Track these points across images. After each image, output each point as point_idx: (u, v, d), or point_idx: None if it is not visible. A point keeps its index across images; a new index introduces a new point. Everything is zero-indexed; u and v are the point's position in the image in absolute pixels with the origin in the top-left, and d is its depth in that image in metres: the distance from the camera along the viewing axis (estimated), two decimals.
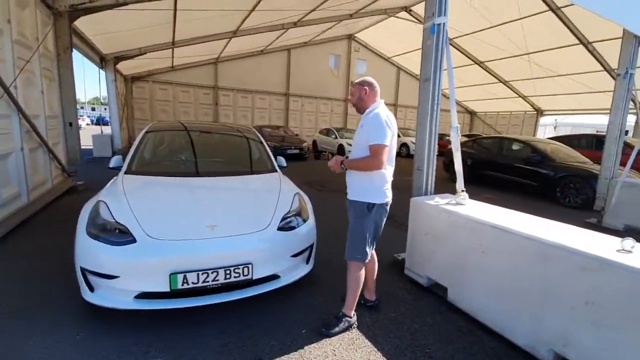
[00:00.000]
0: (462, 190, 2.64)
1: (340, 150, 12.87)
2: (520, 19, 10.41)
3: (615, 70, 11.92)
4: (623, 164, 4.94)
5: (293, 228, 2.50)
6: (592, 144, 9.25)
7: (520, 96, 16.48)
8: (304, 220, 2.63)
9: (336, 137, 13.42)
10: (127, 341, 2.00)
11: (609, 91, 12.81)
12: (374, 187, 2.16)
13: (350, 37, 16.68)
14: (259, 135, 3.98)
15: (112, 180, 2.85)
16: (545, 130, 19.77)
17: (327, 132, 14.38)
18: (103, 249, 2.08)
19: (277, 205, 2.61)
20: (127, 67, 11.27)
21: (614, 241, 1.84)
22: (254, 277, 2.20)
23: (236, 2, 8.07)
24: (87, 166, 8.47)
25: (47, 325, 2.12)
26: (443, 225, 2.52)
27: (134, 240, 2.08)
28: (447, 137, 12.55)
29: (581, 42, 10.84)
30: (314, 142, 14.64)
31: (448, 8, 2.78)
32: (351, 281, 2.21)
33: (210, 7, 7.64)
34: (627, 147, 5.41)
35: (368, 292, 2.50)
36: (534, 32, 10.75)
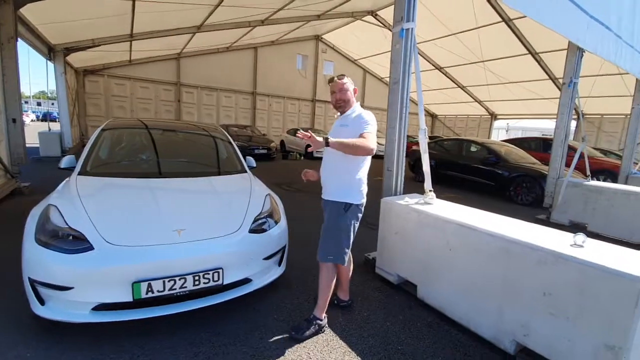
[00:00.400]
0: (430, 190, 2.74)
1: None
2: (477, 28, 11.07)
3: (560, 79, 12.90)
4: (568, 165, 5.41)
5: (265, 230, 2.44)
6: (540, 146, 10.05)
7: (476, 101, 17.52)
8: (276, 222, 2.58)
9: None
10: (85, 358, 1.83)
11: (554, 98, 14.05)
12: (352, 187, 2.13)
13: (317, 38, 16.75)
14: (227, 135, 3.86)
15: (64, 182, 2.60)
16: (499, 133, 21.20)
17: (294, 132, 14.30)
18: (54, 257, 1.89)
19: (248, 207, 2.54)
20: (78, 60, 10.43)
21: (568, 237, 1.99)
22: (225, 283, 2.11)
23: None
24: (33, 166, 7.71)
25: None
26: (412, 224, 2.59)
27: (90, 248, 1.92)
28: (412, 138, 13.03)
29: (530, 52, 11.76)
30: (282, 142, 14.51)
31: (416, 14, 2.87)
32: (323, 283, 2.18)
33: (174, 0, 7.29)
34: (570, 150, 5.93)
35: (342, 293, 2.49)
36: (489, 41, 11.48)
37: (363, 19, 13.03)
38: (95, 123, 12.55)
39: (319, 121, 18.02)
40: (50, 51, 8.58)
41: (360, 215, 2.22)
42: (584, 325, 1.71)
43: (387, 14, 12.58)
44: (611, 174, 8.34)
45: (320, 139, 1.88)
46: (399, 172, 3.06)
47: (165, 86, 13.62)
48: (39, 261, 1.91)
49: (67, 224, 2.02)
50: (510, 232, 2.03)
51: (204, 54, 13.99)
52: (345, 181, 2.14)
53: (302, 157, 12.89)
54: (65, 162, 2.86)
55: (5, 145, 5.35)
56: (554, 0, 3.86)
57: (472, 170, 7.77)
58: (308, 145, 11.60)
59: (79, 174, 2.71)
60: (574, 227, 4.98)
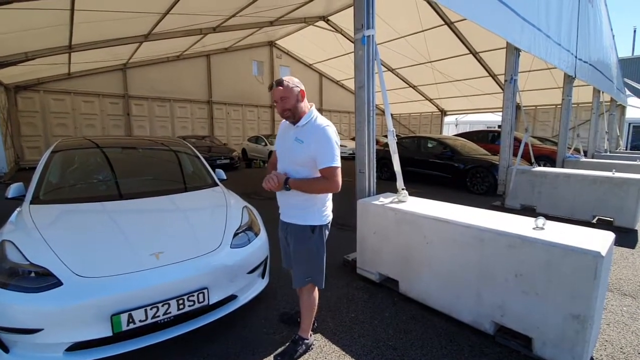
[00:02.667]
0: (403, 189, 2.87)
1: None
2: (423, 31, 11.74)
3: (499, 76, 14.03)
4: (514, 154, 5.93)
5: (246, 244, 2.40)
6: (487, 138, 10.90)
7: (427, 99, 18.54)
8: (256, 234, 2.54)
9: (266, 145, 13.26)
10: None
11: (495, 93, 15.25)
12: (316, 207, 1.90)
13: (271, 44, 16.69)
14: (193, 148, 3.72)
15: (15, 214, 2.35)
16: (449, 129, 22.56)
17: (256, 139, 14.11)
18: (16, 298, 1.70)
19: (226, 221, 2.48)
20: (8, 75, 9.39)
21: (530, 221, 2.19)
22: (211, 302, 2.04)
23: (148, 4, 7.39)
24: None
25: None
26: (389, 222, 2.69)
27: (58, 283, 1.75)
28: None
29: (471, 52, 12.70)
30: (244, 150, 14.22)
31: (375, 21, 3.00)
32: (305, 307, 2.03)
33: (118, 8, 6.86)
34: (515, 140, 6.52)
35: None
36: (435, 43, 12.23)
37: (315, 24, 13.23)
38: (31, 144, 11.42)
39: (278, 127, 17.91)
40: None
41: (327, 232, 2.01)
42: (552, 299, 1.90)
43: (339, 19, 12.91)
44: (549, 159, 9.27)
45: (282, 179, 1.77)
46: (371, 174, 3.16)
47: (112, 99, 12.73)
48: None
49: (27, 260, 1.83)
50: (481, 222, 2.20)
51: (153, 64, 13.31)
52: (307, 201, 1.87)
53: (266, 165, 12.74)
54: (13, 190, 2.58)
55: None
56: (488, 3, 4.22)
57: (430, 165, 8.22)
58: (271, 153, 11.32)
59: (31, 202, 2.46)
60: (524, 211, 5.46)
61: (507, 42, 5.29)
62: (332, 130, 1.82)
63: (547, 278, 1.91)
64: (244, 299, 2.30)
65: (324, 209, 1.95)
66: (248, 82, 16.32)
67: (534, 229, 2.07)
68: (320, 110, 19.33)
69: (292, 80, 1.82)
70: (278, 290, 2.83)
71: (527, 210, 5.47)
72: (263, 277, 2.55)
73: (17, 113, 10.97)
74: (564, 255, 1.82)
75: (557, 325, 1.88)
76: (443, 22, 11.23)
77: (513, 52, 5.43)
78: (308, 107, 1.87)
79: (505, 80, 5.61)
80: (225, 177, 3.50)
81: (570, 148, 9.12)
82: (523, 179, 5.54)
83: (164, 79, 13.73)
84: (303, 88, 1.85)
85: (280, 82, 1.80)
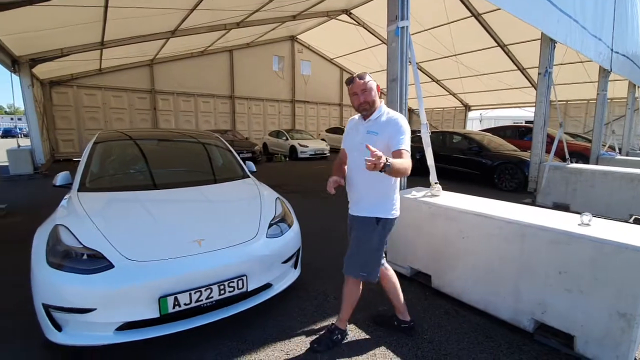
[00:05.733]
0: (436, 183, 2.83)
1: (293, 151, 12.85)
2: (448, 23, 11.43)
3: (528, 70, 13.45)
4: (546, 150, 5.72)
5: (280, 234, 2.44)
6: (516, 134, 10.53)
7: (450, 93, 18.08)
8: (289, 226, 2.58)
9: (287, 139, 13.36)
10: None
11: (523, 87, 14.67)
12: (387, 199, 1.93)
13: (292, 39, 16.71)
14: (224, 141, 3.80)
15: (65, 200, 2.48)
16: (473, 124, 21.97)
17: (277, 134, 14.24)
18: (71, 279, 1.81)
19: (261, 212, 2.53)
20: (44, 71, 9.88)
21: (574, 217, 2.12)
22: (249, 289, 2.10)
23: (176, 0, 7.56)
24: (4, 186, 7.28)
25: None
26: (423, 216, 2.67)
27: (110, 266, 1.85)
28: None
29: (499, 45, 12.27)
30: (265, 144, 14.40)
31: (409, 11, 2.95)
32: (348, 298, 2.03)
33: (149, 5, 7.05)
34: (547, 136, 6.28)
35: (399, 312, 2.22)
36: (460, 35, 11.89)
37: (338, 18, 13.13)
38: (65, 137, 11.98)
39: (299, 121, 18.00)
40: (14, 63, 8.09)
41: (392, 228, 2.00)
42: (598, 297, 1.83)
43: (361, 12, 12.76)
44: (582, 156, 8.86)
45: (384, 158, 1.51)
46: None
47: (140, 94, 13.16)
48: (53, 285, 1.82)
49: (80, 243, 1.94)
50: (521, 217, 2.14)
51: (178, 59, 13.64)
52: (380, 193, 1.91)
53: (287, 159, 12.85)
54: (60, 179, 2.73)
55: None
56: None
57: (455, 161, 8.04)
58: (292, 147, 11.27)
59: (79, 190, 2.59)
60: (557, 209, 5.26)
61: (542, 34, 5.09)
62: (405, 120, 1.91)
63: (593, 275, 1.85)
64: (278, 287, 2.35)
65: (394, 202, 1.97)
66: (269, 77, 16.45)
67: (579, 225, 2.00)
68: (340, 105, 19.29)
69: (370, 75, 1.91)
70: (307, 281, 2.86)
71: (560, 208, 5.27)
72: (295, 268, 2.60)
73: (52, 107, 11.52)
74: (613, 252, 1.75)
75: (602, 324, 1.82)
76: (470, 14, 10.90)
77: (548, 43, 5.21)
78: (380, 102, 1.95)
79: (539, 73, 5.40)
80: (255, 169, 3.57)
81: (604, 145, 8.70)
82: (556, 175, 5.33)
83: (189, 74, 14.04)
84: (379, 83, 1.94)
85: (362, 76, 1.88)
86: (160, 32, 9.53)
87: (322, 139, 15.36)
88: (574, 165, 5.42)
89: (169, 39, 10.17)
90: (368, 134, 1.88)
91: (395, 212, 1.98)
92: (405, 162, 1.69)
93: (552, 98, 5.48)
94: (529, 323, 2.12)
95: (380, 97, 1.96)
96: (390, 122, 1.87)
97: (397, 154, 1.77)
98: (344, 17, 13.10)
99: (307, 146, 12.88)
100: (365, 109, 1.90)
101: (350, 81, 1.91)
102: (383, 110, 1.93)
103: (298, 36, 16.61)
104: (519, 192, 6.58)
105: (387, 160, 1.51)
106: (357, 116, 2.06)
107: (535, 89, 5.68)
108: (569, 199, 5.24)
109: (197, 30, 10.17)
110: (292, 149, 12.87)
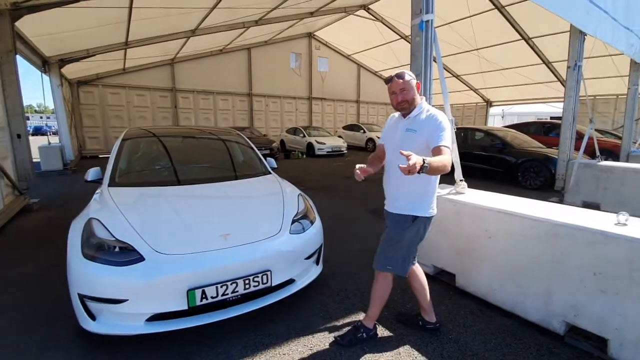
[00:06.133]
0: (461, 180, 2.77)
1: (310, 148, 12.88)
2: (470, 16, 11.10)
3: (554, 63, 12.87)
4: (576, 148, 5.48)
5: (303, 230, 2.45)
6: (540, 130, 10.15)
7: (471, 89, 17.60)
8: (311, 222, 2.59)
9: (304, 136, 13.40)
10: None
11: (549, 82, 14.09)
12: (425, 197, 1.90)
13: (310, 36, 16.69)
14: (245, 138, 3.85)
15: (97, 195, 2.58)
16: (494, 120, 21.33)
17: (294, 131, 14.30)
18: (105, 271, 1.88)
19: (284, 208, 2.55)
20: (71, 71, 10.28)
21: (609, 216, 2.03)
22: (273, 284, 2.12)
23: (197, 0, 7.70)
24: (37, 181, 7.62)
25: None
26: (448, 214, 2.61)
27: (141, 258, 1.91)
28: None
29: (523, 38, 11.82)
30: (282, 141, 14.49)
31: (434, 4, 2.88)
32: (377, 293, 2.03)
33: (171, 5, 7.21)
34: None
35: (424, 312, 2.18)
36: (482, 29, 11.52)
37: (355, 13, 13.01)
38: (92, 134, 12.43)
39: (316, 118, 18.00)
40: (44, 64, 8.45)
41: (429, 227, 1.98)
42: (635, 299, 1.75)
43: (379, 7, 12.58)
44: (611, 153, 8.45)
45: (421, 160, 1.47)
46: None
47: (161, 92, 13.50)
48: (89, 276, 1.89)
49: (113, 236, 2.01)
50: (553, 216, 2.07)
51: (198, 58, 13.87)
52: (418, 192, 1.89)
53: (304, 156, 12.89)
54: (91, 174, 2.84)
55: (11, 162, 5.28)
56: None
57: (478, 158, 7.83)
58: (309, 144, 11.25)
59: (109, 185, 2.69)
60: (587, 208, 5.04)
61: (571, 26, 4.87)
62: (445, 117, 1.87)
63: (630, 276, 1.76)
64: (301, 283, 2.37)
65: (432, 200, 1.94)
66: (287, 74, 16.50)
67: (615, 224, 1.91)
68: (357, 102, 19.14)
69: (410, 73, 1.89)
70: (328, 278, 2.87)
71: (590, 208, 5.04)
72: (317, 264, 2.60)
73: (79, 106, 11.98)
74: None
75: (639, 327, 1.74)
76: (493, 7, 10.54)
77: (578, 36, 4.98)
78: (420, 100, 1.92)
79: (568, 67, 5.18)
80: (276, 166, 3.59)
81: (635, 142, 8.26)
82: (586, 173, 5.11)
83: (208, 72, 14.28)
84: (419, 81, 1.92)
85: (401, 75, 1.87)
86: (181, 32, 9.72)
87: (339, 136, 15.30)
88: (605, 162, 5.17)
89: (189, 38, 10.36)
90: (407, 132, 1.88)
91: (433, 210, 1.95)
92: (444, 159, 1.65)
93: (581, 93, 5.24)
94: (559, 325, 2.05)
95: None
96: (429, 119, 1.83)
97: (437, 150, 1.73)
98: (362, 12, 12.96)
99: (324, 143, 12.87)
100: (404, 107, 1.89)
101: (389, 80, 1.91)
102: (423, 107, 1.90)
103: (315, 33, 16.56)
104: (544, 191, 6.35)
105: (424, 162, 1.48)
106: (397, 113, 2.04)
107: (562, 83, 5.47)
108: (600, 198, 5.02)
109: (217, 29, 10.31)
110: (309, 146, 12.90)
